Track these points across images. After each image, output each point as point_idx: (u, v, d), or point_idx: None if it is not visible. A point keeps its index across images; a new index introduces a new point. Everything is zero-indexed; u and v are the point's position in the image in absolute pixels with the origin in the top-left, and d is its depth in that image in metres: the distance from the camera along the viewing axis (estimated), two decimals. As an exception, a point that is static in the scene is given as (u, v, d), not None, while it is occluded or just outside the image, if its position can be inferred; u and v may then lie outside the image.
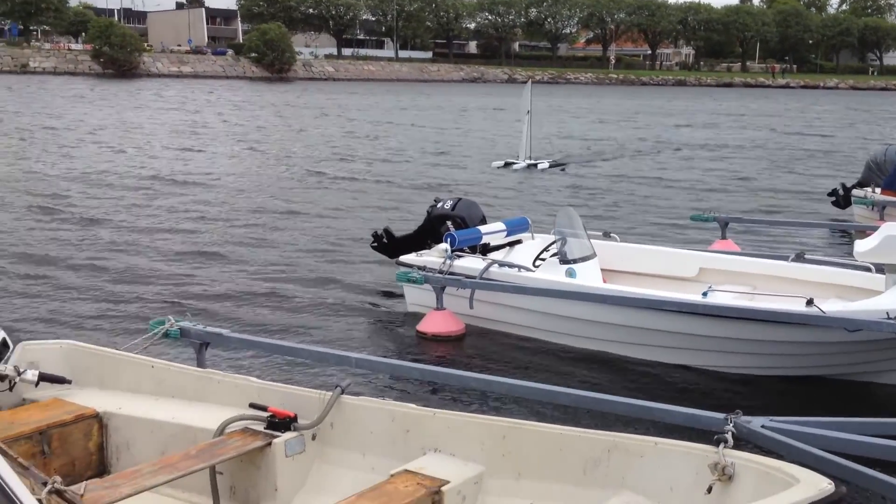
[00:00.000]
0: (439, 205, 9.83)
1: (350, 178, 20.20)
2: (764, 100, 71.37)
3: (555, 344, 8.23)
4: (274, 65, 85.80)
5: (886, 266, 7.42)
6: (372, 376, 6.94)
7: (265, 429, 4.28)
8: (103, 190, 17.59)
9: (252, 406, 4.39)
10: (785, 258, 8.81)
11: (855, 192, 15.03)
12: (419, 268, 8.73)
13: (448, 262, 8.59)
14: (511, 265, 8.58)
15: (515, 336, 8.47)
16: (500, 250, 9.29)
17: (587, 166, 23.84)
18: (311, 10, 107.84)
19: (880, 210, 13.91)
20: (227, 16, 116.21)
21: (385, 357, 7.20)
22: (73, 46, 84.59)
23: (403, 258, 9.09)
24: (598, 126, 39.18)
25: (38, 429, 4.39)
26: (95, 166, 20.96)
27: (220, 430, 4.30)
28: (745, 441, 4.01)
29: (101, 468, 4.63)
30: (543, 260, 8.85)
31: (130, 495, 3.73)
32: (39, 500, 2.94)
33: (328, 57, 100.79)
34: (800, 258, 8.69)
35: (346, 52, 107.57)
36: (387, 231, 10.18)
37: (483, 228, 9.24)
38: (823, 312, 6.81)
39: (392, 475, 3.98)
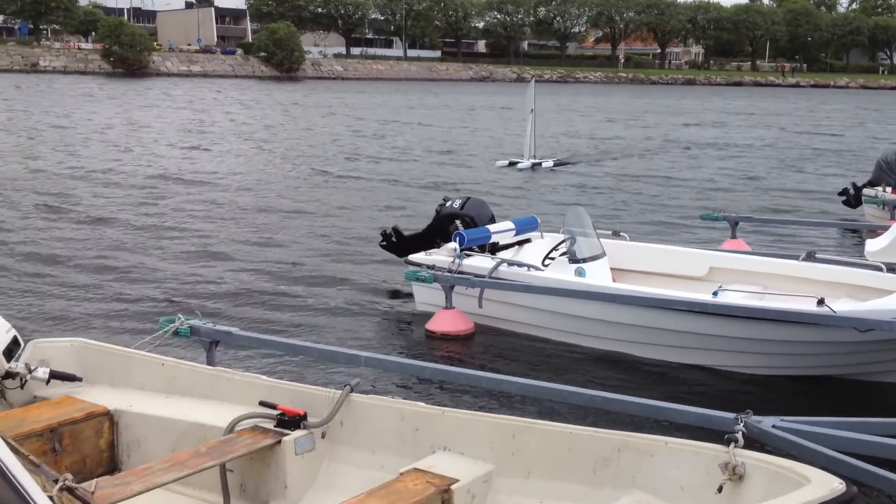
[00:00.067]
0: (448, 204, 9.82)
1: (357, 177, 20.22)
2: (773, 99, 71.13)
3: (564, 343, 8.21)
4: (283, 64, 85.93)
5: (898, 265, 7.39)
6: (381, 375, 6.93)
7: (275, 427, 4.28)
8: (111, 189, 17.65)
9: (262, 404, 4.39)
10: (796, 257, 8.77)
11: (865, 191, 14.96)
12: (428, 267, 8.74)
13: (457, 261, 8.58)
14: (520, 264, 8.57)
15: (524, 335, 8.46)
16: (509, 249, 9.27)
17: (595, 165, 23.80)
18: (319, 10, 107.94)
19: (891, 209, 13.84)
20: (236, 15, 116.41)
21: (394, 356, 7.20)
22: (83, 45, 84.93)
23: (412, 257, 9.09)
24: (606, 125, 39.11)
25: (49, 426, 4.40)
26: (103, 165, 21.03)
27: (231, 428, 4.31)
28: (755, 441, 3.99)
29: (111, 465, 4.64)
30: (553, 259, 8.83)
31: (141, 492, 3.74)
32: (51, 498, 2.94)
33: (337, 56, 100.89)
34: (810, 257, 8.65)
35: (355, 51, 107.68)
36: (395, 230, 10.17)
37: (492, 227, 9.23)
38: (834, 312, 6.78)
39: (401, 473, 3.98)
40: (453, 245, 8.77)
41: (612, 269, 8.74)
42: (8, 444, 2.97)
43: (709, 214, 12.30)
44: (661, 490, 3.70)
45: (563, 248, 8.72)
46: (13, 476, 2.78)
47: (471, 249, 8.84)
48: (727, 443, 3.55)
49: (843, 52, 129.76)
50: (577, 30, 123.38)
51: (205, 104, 45.83)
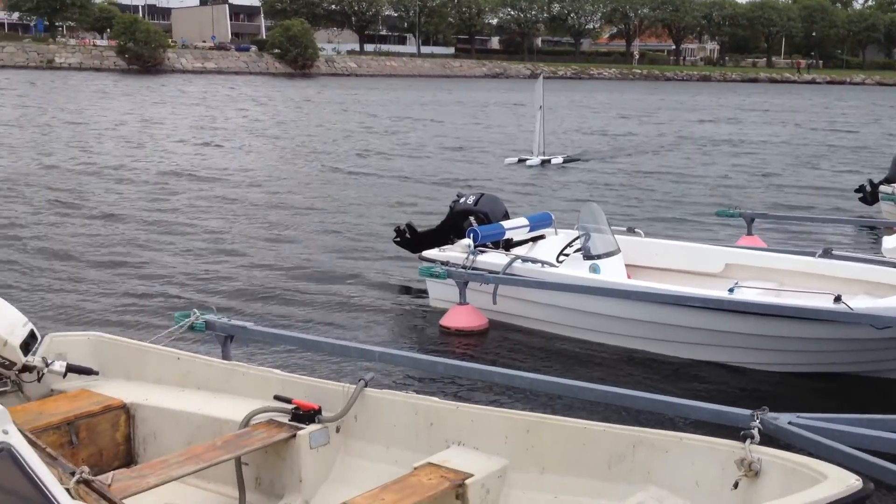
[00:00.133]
0: (462, 200, 9.81)
1: (369, 174, 20.23)
2: (789, 95, 70.71)
3: (578, 340, 8.19)
4: (297, 61, 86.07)
5: (915, 262, 7.34)
6: (395, 370, 6.94)
7: (290, 421, 4.30)
8: (124, 185, 17.73)
9: (277, 398, 4.41)
10: (812, 254, 8.71)
11: (882, 188, 14.85)
12: (442, 263, 8.74)
13: (471, 257, 8.58)
14: (534, 261, 8.56)
15: (539, 331, 8.45)
16: (523, 246, 9.26)
17: (608, 162, 23.73)
18: (333, 7, 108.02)
19: (908, 207, 13.75)
20: (250, 12, 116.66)
21: (408, 351, 7.21)
22: (99, 42, 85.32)
23: (426, 253, 9.09)
24: (619, 122, 38.99)
25: (66, 419, 4.43)
26: (116, 161, 21.13)
27: (246, 422, 4.33)
28: (771, 437, 3.97)
29: (128, 458, 4.67)
30: (567, 255, 8.82)
31: (157, 485, 3.76)
32: (67, 490, 2.97)
33: (350, 53, 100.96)
34: (827, 254, 8.60)
35: (369, 48, 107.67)
36: (409, 226, 10.18)
37: (506, 224, 9.22)
38: (851, 309, 6.74)
39: (415, 468, 3.98)
40: (467, 241, 8.77)
41: (627, 265, 8.72)
42: (26, 436, 2.99)
43: (724, 211, 12.27)
44: (677, 486, 3.68)
45: (577, 245, 8.70)
46: (31, 468, 2.81)
47: (485, 246, 8.84)
48: (743, 439, 3.54)
49: (858, 49, 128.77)
50: (592, 26, 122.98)
51: (218, 101, 45.97)
